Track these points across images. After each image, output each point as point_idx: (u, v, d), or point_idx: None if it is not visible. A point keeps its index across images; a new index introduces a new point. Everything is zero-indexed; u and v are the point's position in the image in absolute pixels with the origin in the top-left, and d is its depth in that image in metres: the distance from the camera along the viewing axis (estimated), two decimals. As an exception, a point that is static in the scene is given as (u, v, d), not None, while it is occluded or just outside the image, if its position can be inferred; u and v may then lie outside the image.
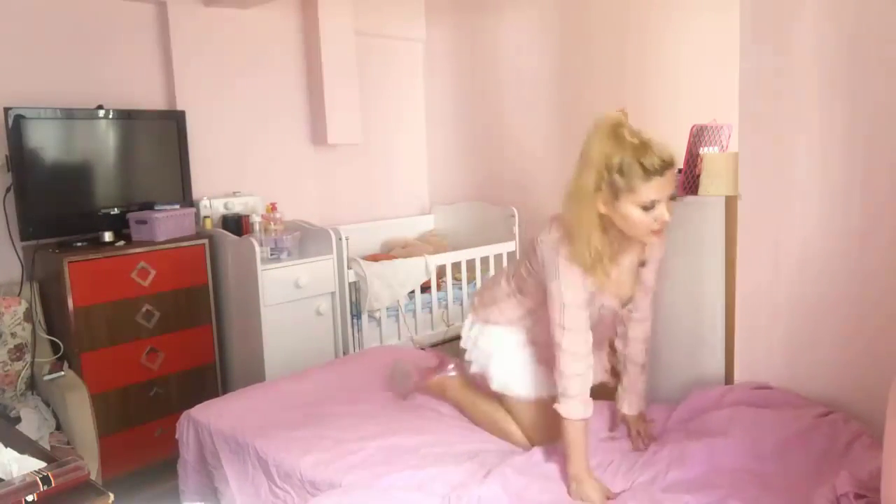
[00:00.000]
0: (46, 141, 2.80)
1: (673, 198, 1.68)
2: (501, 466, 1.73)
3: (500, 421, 2.02)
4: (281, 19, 3.78)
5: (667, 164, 1.62)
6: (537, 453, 1.85)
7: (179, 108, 3.30)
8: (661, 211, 1.64)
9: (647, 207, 1.63)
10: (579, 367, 1.72)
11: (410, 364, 2.30)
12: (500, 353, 2.00)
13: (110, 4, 3.15)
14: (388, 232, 4.28)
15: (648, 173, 1.60)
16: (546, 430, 1.88)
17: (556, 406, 1.72)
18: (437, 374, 2.24)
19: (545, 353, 1.90)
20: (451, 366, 2.25)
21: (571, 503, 1.64)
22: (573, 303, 1.73)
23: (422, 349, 2.43)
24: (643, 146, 1.61)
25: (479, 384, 2.11)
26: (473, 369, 2.06)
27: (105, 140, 2.99)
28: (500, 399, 2.03)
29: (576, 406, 1.71)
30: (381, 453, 1.85)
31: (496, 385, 1.99)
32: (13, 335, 2.63)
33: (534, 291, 1.90)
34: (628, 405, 1.97)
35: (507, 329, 2.00)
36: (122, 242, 2.90)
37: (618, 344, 1.99)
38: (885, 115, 1.80)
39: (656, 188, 1.62)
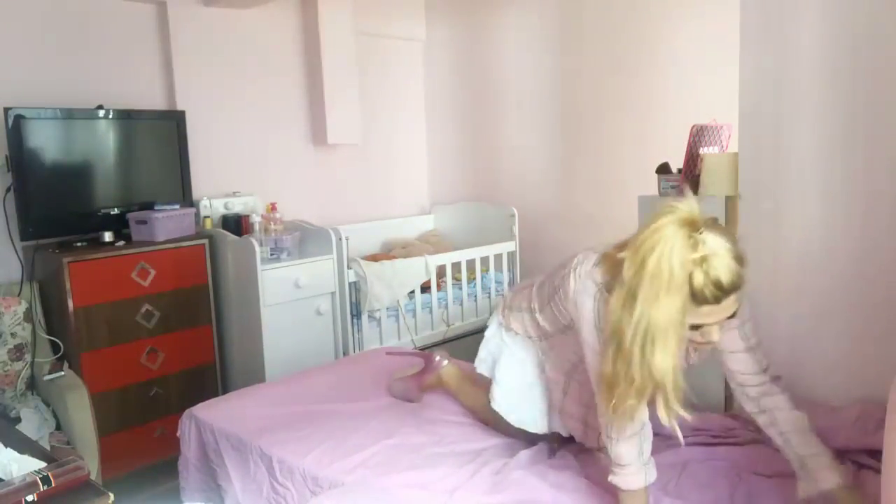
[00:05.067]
0: (46, 141, 2.79)
1: (732, 316, 1.37)
2: (508, 469, 1.73)
3: (488, 411, 1.98)
4: (281, 19, 3.78)
5: (725, 292, 1.29)
6: (543, 449, 1.84)
7: (179, 108, 3.30)
8: (711, 333, 1.37)
9: (693, 327, 1.35)
10: (632, 428, 1.47)
11: (403, 378, 2.28)
12: (508, 370, 1.88)
13: (110, 4, 3.15)
14: (388, 232, 4.28)
15: (698, 301, 1.30)
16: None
17: (611, 478, 1.52)
18: (431, 373, 2.23)
19: (553, 393, 1.80)
20: (438, 358, 2.24)
21: None
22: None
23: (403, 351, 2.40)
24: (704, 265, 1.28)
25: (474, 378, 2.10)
26: (480, 369, 1.98)
27: (105, 140, 2.99)
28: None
29: (633, 476, 1.49)
30: (384, 453, 1.85)
31: (495, 405, 1.88)
32: (13, 335, 2.62)
33: (551, 318, 1.73)
34: (827, 476, 1.48)
35: (523, 344, 1.87)
36: (122, 242, 2.90)
37: (768, 431, 1.60)
38: (885, 114, 1.80)
39: (706, 315, 1.33)
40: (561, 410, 1.81)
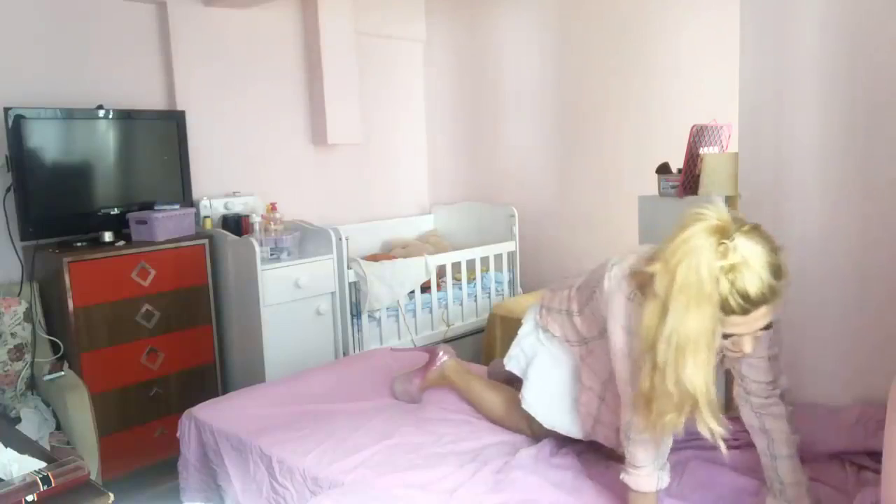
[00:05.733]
0: (46, 141, 2.80)
1: (768, 327, 1.31)
2: (508, 469, 1.73)
3: (499, 409, 2.01)
4: (281, 19, 3.78)
5: (753, 304, 1.24)
6: (545, 447, 1.84)
7: (179, 108, 3.30)
8: (742, 344, 1.33)
9: (725, 335, 1.31)
10: (646, 447, 1.49)
11: (406, 373, 2.28)
12: (542, 372, 1.84)
13: (110, 4, 3.15)
14: (388, 232, 4.28)
15: (726, 311, 1.25)
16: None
17: (623, 476, 1.52)
18: (434, 366, 2.22)
19: (589, 401, 1.74)
20: (441, 353, 2.23)
21: None
22: (638, 358, 1.45)
23: (413, 349, 2.40)
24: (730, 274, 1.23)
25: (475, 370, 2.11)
26: (510, 367, 1.93)
27: (105, 140, 2.99)
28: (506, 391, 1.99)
29: (646, 478, 1.49)
30: (384, 452, 1.85)
31: (525, 405, 1.84)
32: (13, 335, 2.62)
33: (589, 321, 1.69)
34: None
35: (561, 347, 1.83)
36: (122, 242, 2.90)
37: (759, 447, 1.58)
38: (885, 114, 1.80)
39: (735, 326, 1.28)
40: (596, 419, 1.75)
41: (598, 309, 1.61)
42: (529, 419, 1.90)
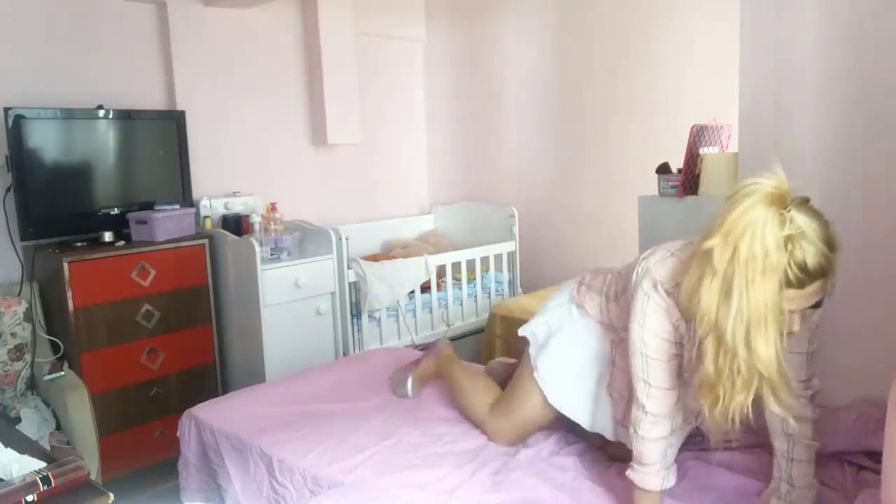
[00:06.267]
0: (46, 141, 2.80)
1: (818, 305, 1.29)
2: (507, 469, 1.73)
3: (471, 396, 1.98)
4: (281, 20, 3.78)
5: (811, 277, 1.22)
6: (545, 448, 1.84)
7: (179, 108, 3.30)
8: (792, 321, 1.28)
9: None
10: (662, 430, 1.48)
11: (402, 368, 2.29)
12: (565, 346, 1.77)
13: (110, 4, 3.15)
14: (388, 232, 4.28)
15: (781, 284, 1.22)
16: (514, 425, 1.84)
17: (629, 473, 1.50)
18: (429, 356, 2.22)
19: (625, 389, 1.64)
20: (440, 345, 2.23)
21: None
22: (658, 355, 1.46)
23: (419, 348, 2.41)
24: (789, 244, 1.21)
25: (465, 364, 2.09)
26: (524, 332, 1.86)
27: (105, 140, 2.99)
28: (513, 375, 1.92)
29: (652, 476, 1.47)
30: (384, 452, 1.85)
31: (537, 376, 1.78)
32: (13, 335, 2.62)
33: (622, 311, 1.63)
34: None
35: (593, 329, 1.75)
36: (122, 242, 2.90)
37: (777, 450, 1.54)
38: (885, 114, 1.80)
39: (788, 300, 1.24)
40: (629, 402, 1.66)
41: (628, 300, 1.57)
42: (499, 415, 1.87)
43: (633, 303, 1.49)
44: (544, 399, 1.80)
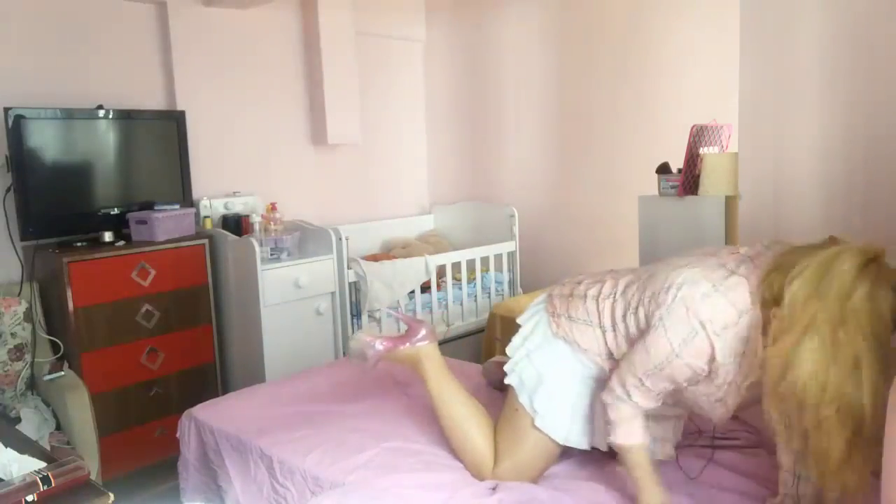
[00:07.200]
0: (46, 141, 2.80)
1: None
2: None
3: (467, 432, 1.78)
4: (281, 19, 3.78)
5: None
6: None
7: (179, 108, 3.30)
8: None
9: None
10: (635, 412, 1.53)
11: (367, 334, 1.98)
12: (560, 387, 1.69)
13: (110, 4, 3.15)
14: (388, 232, 4.28)
15: None
16: (525, 473, 1.71)
17: (611, 438, 1.55)
18: (407, 343, 1.92)
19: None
20: (423, 333, 1.92)
21: None
22: (675, 377, 1.44)
23: (404, 320, 2.08)
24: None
25: (457, 372, 1.93)
26: (512, 381, 1.74)
27: (105, 140, 2.99)
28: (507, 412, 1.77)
29: (633, 428, 1.52)
30: (384, 453, 1.85)
31: (540, 423, 1.68)
32: (13, 335, 2.62)
33: (622, 336, 1.58)
34: None
35: (585, 362, 1.67)
36: (122, 242, 2.90)
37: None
38: (885, 114, 1.80)
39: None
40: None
41: (640, 321, 1.52)
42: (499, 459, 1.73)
43: (669, 327, 1.41)
44: (551, 442, 1.71)
